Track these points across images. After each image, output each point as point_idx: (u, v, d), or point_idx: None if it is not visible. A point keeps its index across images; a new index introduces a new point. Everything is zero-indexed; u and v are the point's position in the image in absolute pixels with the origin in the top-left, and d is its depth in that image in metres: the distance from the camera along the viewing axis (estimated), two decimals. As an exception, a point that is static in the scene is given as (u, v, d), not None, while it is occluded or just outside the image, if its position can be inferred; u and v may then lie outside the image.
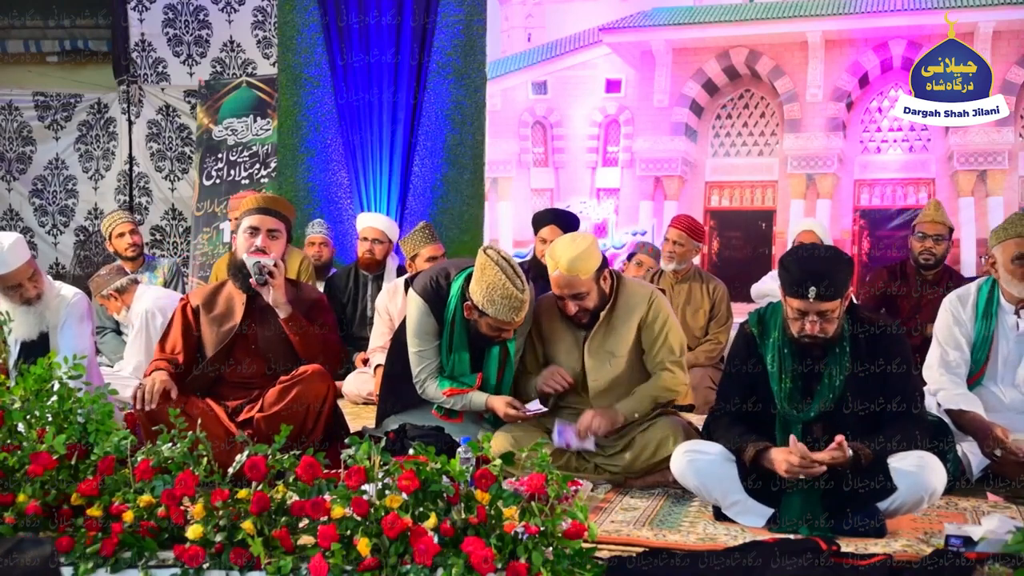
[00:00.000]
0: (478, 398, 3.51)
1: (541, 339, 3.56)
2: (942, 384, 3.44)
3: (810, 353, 2.92)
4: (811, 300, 2.79)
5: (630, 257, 5.86)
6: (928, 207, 4.88)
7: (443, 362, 3.55)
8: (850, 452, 2.76)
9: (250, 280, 3.35)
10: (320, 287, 5.75)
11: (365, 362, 5.34)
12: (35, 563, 1.75)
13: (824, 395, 2.89)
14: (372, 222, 5.90)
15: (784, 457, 2.78)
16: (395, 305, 5.16)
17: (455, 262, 3.70)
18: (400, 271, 5.79)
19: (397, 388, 3.72)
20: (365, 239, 5.77)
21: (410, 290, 3.66)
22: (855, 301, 3.04)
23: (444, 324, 3.53)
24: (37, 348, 3.74)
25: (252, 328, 3.44)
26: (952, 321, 3.51)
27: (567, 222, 5.15)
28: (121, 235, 5.58)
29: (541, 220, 5.20)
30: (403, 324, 3.74)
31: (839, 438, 2.75)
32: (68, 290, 3.91)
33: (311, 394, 3.27)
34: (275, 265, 3.35)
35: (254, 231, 3.43)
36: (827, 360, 2.91)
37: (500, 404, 3.45)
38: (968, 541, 2.50)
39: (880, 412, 2.88)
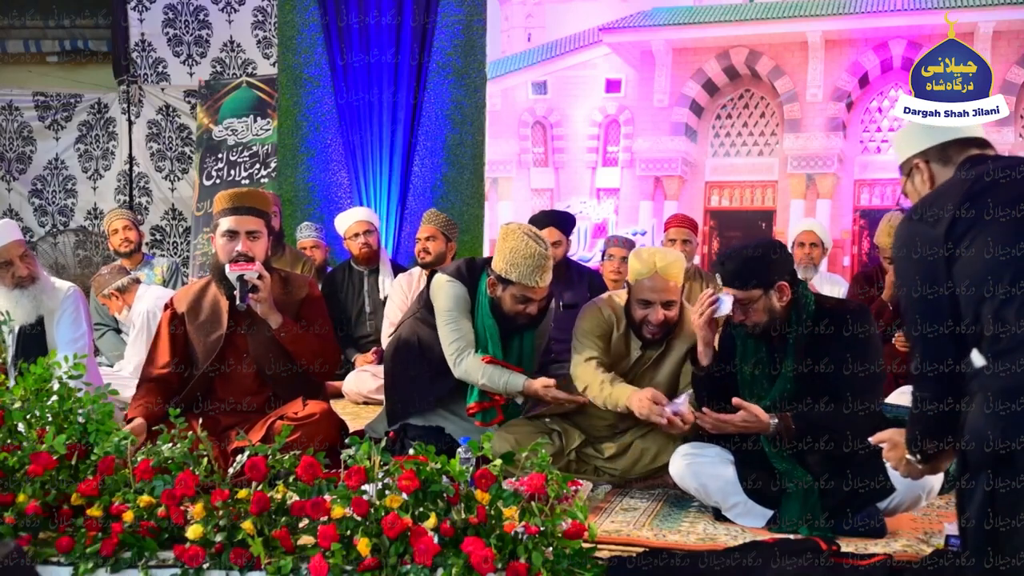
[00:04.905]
0: (516, 379, 3.38)
1: (608, 341, 3.42)
2: None
3: (771, 345, 2.97)
4: (720, 286, 2.95)
5: (603, 255, 5.77)
6: (882, 231, 4.75)
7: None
8: (773, 420, 2.85)
9: (235, 296, 3.18)
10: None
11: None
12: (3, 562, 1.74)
13: (781, 387, 2.93)
14: (356, 216, 5.78)
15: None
16: (409, 287, 5.16)
17: (478, 258, 3.71)
18: (397, 268, 5.77)
19: (402, 394, 3.68)
20: (356, 235, 5.67)
21: (438, 276, 3.62)
22: (816, 295, 3.05)
23: (475, 314, 3.50)
24: (35, 338, 3.71)
25: (241, 333, 3.29)
26: None
27: (565, 222, 5.14)
28: (115, 231, 5.58)
29: (539, 223, 5.19)
30: (403, 339, 3.71)
31: (735, 401, 2.89)
32: (63, 283, 3.87)
33: (315, 438, 3.03)
34: (259, 277, 3.16)
35: (232, 235, 3.24)
36: (787, 354, 2.94)
37: (539, 386, 3.36)
38: (968, 541, 2.50)
39: (848, 407, 2.87)
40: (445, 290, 3.55)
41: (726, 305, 3.00)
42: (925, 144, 2.18)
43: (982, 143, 2.14)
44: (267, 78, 7.43)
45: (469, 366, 3.45)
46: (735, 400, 2.90)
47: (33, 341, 3.69)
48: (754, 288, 2.88)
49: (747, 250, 2.97)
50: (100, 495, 2.34)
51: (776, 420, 2.86)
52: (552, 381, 3.39)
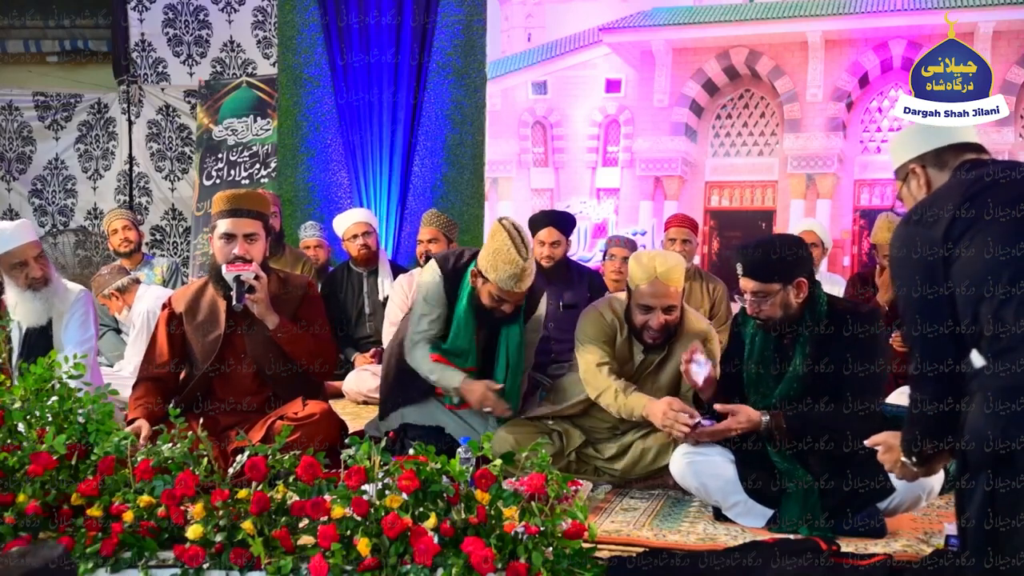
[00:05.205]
0: (454, 376, 3.49)
1: (612, 345, 3.41)
2: None
3: (779, 344, 2.96)
4: (740, 275, 2.92)
5: (604, 255, 5.76)
6: (879, 228, 4.81)
7: (449, 340, 3.56)
8: (764, 418, 2.87)
9: (231, 296, 3.17)
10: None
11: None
12: (44, 564, 1.74)
13: (788, 386, 2.93)
14: (355, 218, 5.75)
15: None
16: (410, 287, 5.17)
17: (470, 249, 3.75)
18: (396, 269, 5.76)
19: (396, 386, 3.72)
20: (355, 236, 5.64)
21: (431, 261, 3.72)
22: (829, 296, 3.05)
23: (455, 300, 3.55)
24: (41, 339, 3.70)
25: (239, 333, 3.29)
26: None
27: (564, 223, 5.14)
28: (115, 231, 5.58)
29: (538, 222, 5.19)
30: (400, 337, 3.75)
31: (718, 407, 2.92)
32: (74, 285, 3.88)
33: (315, 438, 3.02)
34: (256, 278, 3.16)
35: (229, 238, 3.23)
36: (795, 353, 2.93)
37: (480, 387, 3.43)
38: (968, 541, 2.50)
39: (848, 408, 2.87)
40: (426, 279, 3.64)
41: (699, 368, 2.99)
42: (921, 149, 2.18)
43: (978, 148, 2.13)
44: (267, 78, 7.43)
45: (417, 357, 3.57)
46: (718, 406, 2.91)
47: (40, 342, 3.69)
48: (774, 281, 2.88)
49: (771, 243, 2.98)
50: (100, 495, 2.34)
51: (767, 418, 2.87)
52: (498, 385, 3.44)
